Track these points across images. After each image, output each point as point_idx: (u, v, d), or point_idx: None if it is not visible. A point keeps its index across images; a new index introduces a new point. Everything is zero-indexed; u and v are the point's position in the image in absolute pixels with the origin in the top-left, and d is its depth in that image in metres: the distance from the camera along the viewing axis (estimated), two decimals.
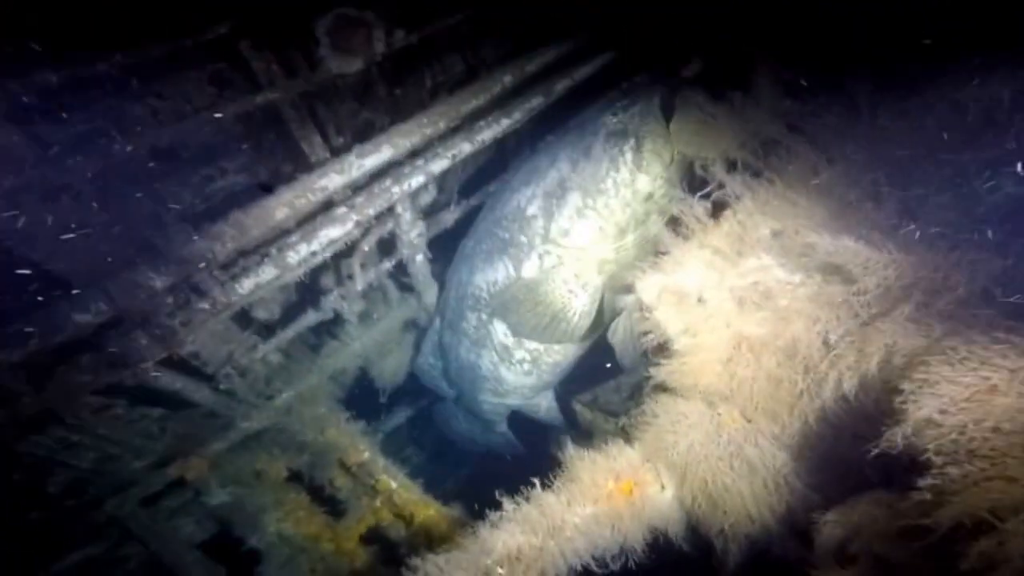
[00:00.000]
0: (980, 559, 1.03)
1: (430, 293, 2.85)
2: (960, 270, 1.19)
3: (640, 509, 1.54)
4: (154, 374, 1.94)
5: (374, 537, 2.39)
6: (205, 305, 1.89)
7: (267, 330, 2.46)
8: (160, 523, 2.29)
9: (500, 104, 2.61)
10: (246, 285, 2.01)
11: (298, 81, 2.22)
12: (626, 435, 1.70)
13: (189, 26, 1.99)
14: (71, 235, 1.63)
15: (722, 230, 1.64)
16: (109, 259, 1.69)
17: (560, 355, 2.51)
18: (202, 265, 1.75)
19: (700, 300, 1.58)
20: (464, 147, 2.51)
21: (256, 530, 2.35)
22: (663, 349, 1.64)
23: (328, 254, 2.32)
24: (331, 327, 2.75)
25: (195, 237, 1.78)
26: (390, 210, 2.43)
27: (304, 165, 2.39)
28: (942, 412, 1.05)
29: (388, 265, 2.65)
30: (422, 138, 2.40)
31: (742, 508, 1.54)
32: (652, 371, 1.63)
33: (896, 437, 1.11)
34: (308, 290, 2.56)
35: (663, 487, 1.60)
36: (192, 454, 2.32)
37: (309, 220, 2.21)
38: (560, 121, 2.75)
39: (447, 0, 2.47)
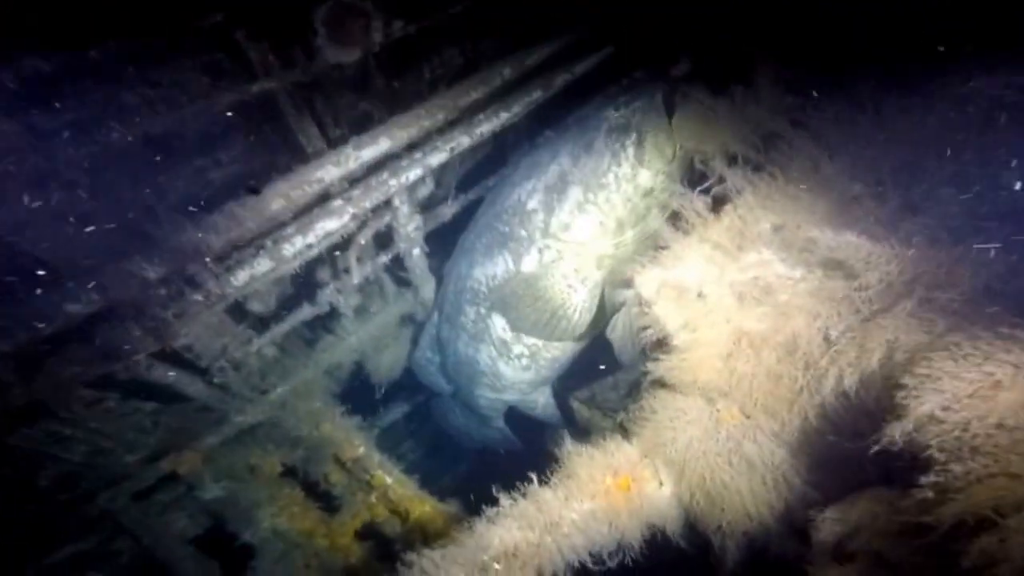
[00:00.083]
0: (981, 556, 1.02)
1: (427, 287, 2.83)
2: (963, 266, 1.18)
3: (638, 506, 1.53)
4: (147, 367, 1.91)
5: (369, 533, 2.38)
6: (199, 297, 1.86)
7: (262, 323, 2.44)
8: (152, 518, 2.27)
9: (499, 97, 2.59)
10: (241, 277, 1.98)
11: (295, 71, 2.19)
12: (624, 431, 1.68)
13: (184, 14, 1.96)
14: (62, 224, 1.60)
15: (722, 225, 1.63)
16: (100, 248, 1.66)
17: (559, 351, 2.50)
18: (196, 256, 1.72)
19: (700, 295, 1.56)
20: (463, 140, 2.48)
21: (250, 525, 2.33)
22: (662, 344, 1.63)
23: (324, 247, 2.29)
24: (327, 321, 2.73)
25: (189, 228, 1.75)
26: (387, 203, 2.41)
27: (300, 157, 2.36)
28: (945, 408, 1.03)
29: (385, 259, 2.63)
30: (420, 131, 2.38)
31: (740, 505, 1.53)
32: (651, 366, 1.61)
33: (895, 432, 1.10)
34: (304, 283, 2.53)
35: (661, 483, 1.59)
36: (185, 448, 2.30)
37: (305, 212, 2.18)
38: (559, 116, 2.73)
39: None
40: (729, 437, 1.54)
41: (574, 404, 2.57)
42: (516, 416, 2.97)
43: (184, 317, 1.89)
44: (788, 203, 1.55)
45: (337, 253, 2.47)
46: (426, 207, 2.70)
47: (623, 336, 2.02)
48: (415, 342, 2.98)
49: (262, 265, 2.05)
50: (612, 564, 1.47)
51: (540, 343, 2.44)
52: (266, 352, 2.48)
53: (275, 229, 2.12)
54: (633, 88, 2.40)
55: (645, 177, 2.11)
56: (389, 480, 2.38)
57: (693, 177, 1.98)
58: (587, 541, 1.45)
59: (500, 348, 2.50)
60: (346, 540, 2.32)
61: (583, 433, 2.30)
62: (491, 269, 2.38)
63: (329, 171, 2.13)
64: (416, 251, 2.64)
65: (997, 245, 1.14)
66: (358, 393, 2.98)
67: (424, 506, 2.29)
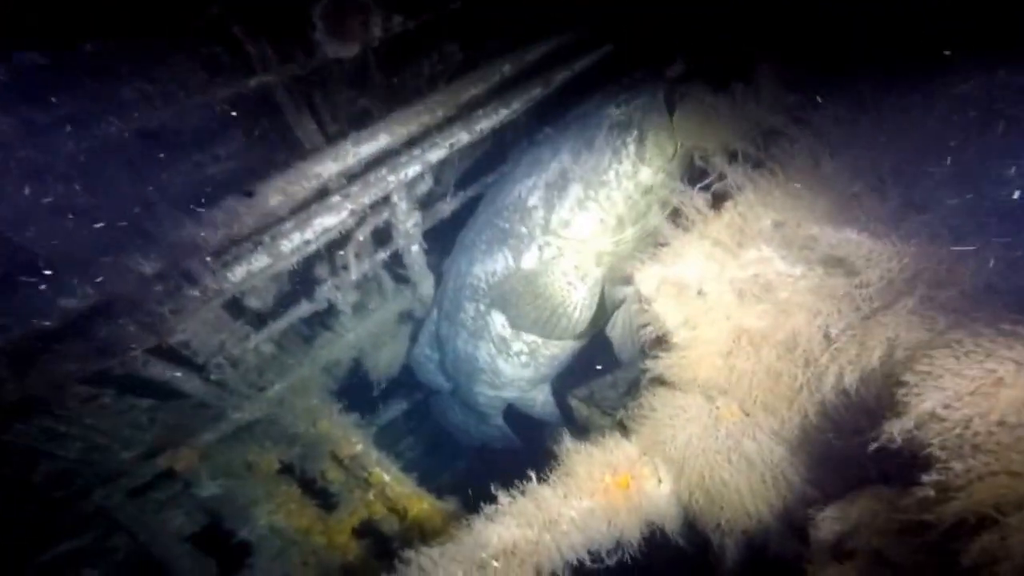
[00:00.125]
0: (982, 554, 1.02)
1: (426, 284, 2.82)
2: (965, 263, 1.17)
3: (637, 504, 1.52)
4: (143, 363, 1.90)
5: (367, 530, 2.37)
6: (196, 293, 1.85)
7: (259, 320, 2.42)
8: (149, 515, 2.25)
9: (499, 94, 2.58)
10: (238, 273, 1.97)
11: (293, 66, 2.17)
12: (623, 429, 1.68)
13: (181, 7, 1.95)
14: (57, 218, 1.58)
15: (723, 221, 1.62)
16: (96, 243, 1.65)
17: (558, 348, 2.49)
18: (193, 252, 1.70)
19: (700, 292, 1.55)
20: (462, 136, 2.47)
21: (247, 522, 2.32)
22: (662, 342, 1.62)
23: (322, 243, 2.28)
24: (325, 318, 2.71)
25: (186, 223, 1.74)
26: (386, 200, 2.39)
27: (299, 152, 2.35)
28: (946, 406, 1.03)
29: (383, 255, 2.62)
30: (419, 126, 2.36)
31: (739, 503, 1.52)
32: (650, 364, 1.61)
33: (895, 429, 1.09)
34: (302, 280, 2.52)
35: (660, 481, 1.58)
36: (182, 445, 2.28)
37: (303, 208, 2.17)
38: (559, 114, 2.72)
39: None
40: (728, 435, 1.53)
41: (573, 402, 2.56)
42: (515, 414, 2.96)
43: (181, 313, 1.88)
44: (789, 200, 1.54)
45: (336, 250, 2.46)
46: (425, 204, 2.69)
47: (623, 334, 2.01)
48: (414, 339, 2.97)
49: (260, 261, 2.03)
50: (611, 562, 1.47)
51: (539, 340, 2.44)
52: (264, 349, 2.47)
53: (273, 225, 2.10)
54: (634, 86, 2.39)
55: (646, 174, 2.11)
56: (387, 477, 2.37)
57: (693, 174, 1.97)
58: (586, 539, 1.44)
59: (499, 345, 2.49)
60: (344, 537, 2.31)
61: (582, 431, 2.29)
62: (491, 266, 2.37)
63: (327, 167, 2.11)
64: (415, 248, 2.63)
65: (999, 241, 1.13)
66: (356, 390, 2.97)
67: (422, 504, 2.28)
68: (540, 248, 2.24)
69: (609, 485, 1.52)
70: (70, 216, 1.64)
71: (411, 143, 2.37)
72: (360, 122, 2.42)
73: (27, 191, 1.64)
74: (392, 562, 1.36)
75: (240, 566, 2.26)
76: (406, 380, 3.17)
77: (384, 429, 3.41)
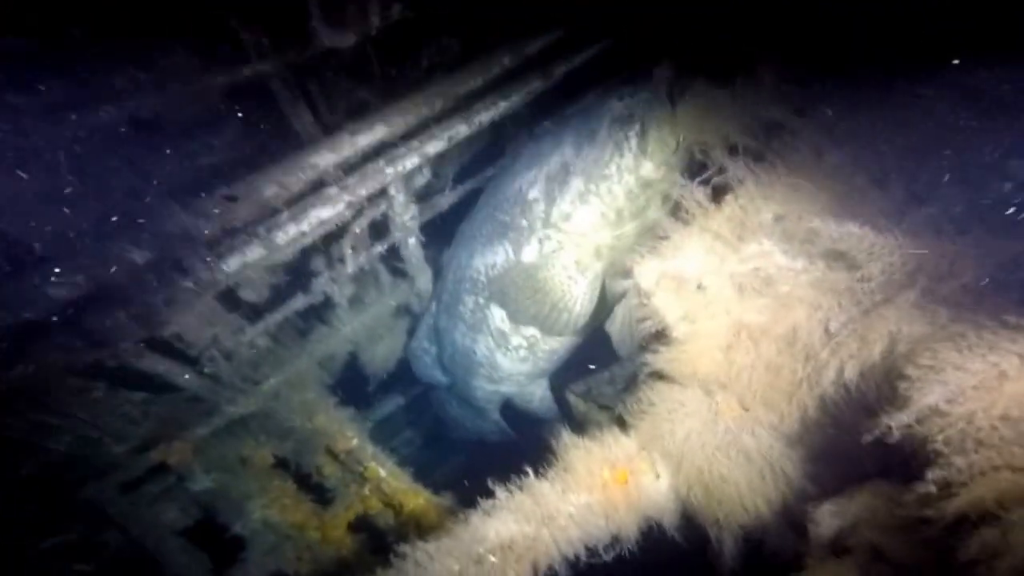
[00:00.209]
0: (982, 549, 1.01)
1: (423, 278, 2.80)
2: (968, 256, 1.16)
3: (635, 499, 1.51)
4: (135, 355, 1.87)
5: (362, 525, 2.35)
6: (189, 284, 1.82)
7: (254, 312, 2.40)
8: (142, 509, 2.23)
9: (498, 86, 2.55)
10: (232, 264, 1.94)
11: (288, 54, 2.14)
12: (622, 423, 1.66)
13: None
14: (45, 206, 1.55)
15: (723, 215, 1.60)
16: (86, 232, 1.61)
17: (557, 342, 2.48)
18: (186, 242, 1.68)
19: (700, 286, 1.54)
20: (460, 129, 2.45)
21: (240, 517, 2.30)
22: (661, 336, 1.61)
23: (318, 235, 2.26)
24: (321, 311, 2.69)
25: (179, 212, 1.71)
26: (383, 192, 2.37)
27: (294, 143, 2.31)
28: (949, 400, 1.02)
29: (380, 248, 2.59)
30: (417, 117, 2.34)
31: (738, 498, 1.51)
32: (650, 358, 1.59)
33: (893, 422, 1.08)
34: (297, 272, 2.50)
35: (658, 476, 1.57)
36: (175, 439, 2.26)
37: (299, 199, 2.14)
38: (559, 107, 2.71)
39: None
40: (727, 430, 1.52)
41: (570, 398, 2.54)
42: (512, 409, 2.95)
43: (174, 304, 1.85)
44: (790, 193, 1.53)
45: (332, 242, 2.44)
46: (423, 197, 2.67)
47: (622, 329, 2.00)
48: (411, 333, 2.95)
49: (254, 252, 2.01)
50: (608, 557, 1.46)
51: (538, 335, 2.43)
52: (258, 342, 2.44)
53: (268, 215, 2.08)
54: (636, 79, 2.37)
55: (648, 168, 2.10)
56: (383, 472, 2.35)
57: (694, 167, 1.96)
58: (583, 534, 1.43)
59: (498, 339, 2.47)
60: (339, 532, 2.30)
61: (579, 427, 2.27)
62: (491, 259, 2.35)
63: (324, 157, 2.09)
64: (412, 240, 2.60)
65: (1003, 235, 1.12)
66: (352, 385, 2.95)
67: (418, 499, 2.27)
68: (540, 241, 2.23)
69: (607, 480, 1.51)
70: (58, 204, 1.61)
71: (409, 135, 2.35)
72: (357, 114, 2.40)
73: (13, 179, 1.61)
74: (388, 557, 1.35)
75: (234, 560, 2.24)
76: (402, 375, 3.15)
77: (380, 424, 3.39)
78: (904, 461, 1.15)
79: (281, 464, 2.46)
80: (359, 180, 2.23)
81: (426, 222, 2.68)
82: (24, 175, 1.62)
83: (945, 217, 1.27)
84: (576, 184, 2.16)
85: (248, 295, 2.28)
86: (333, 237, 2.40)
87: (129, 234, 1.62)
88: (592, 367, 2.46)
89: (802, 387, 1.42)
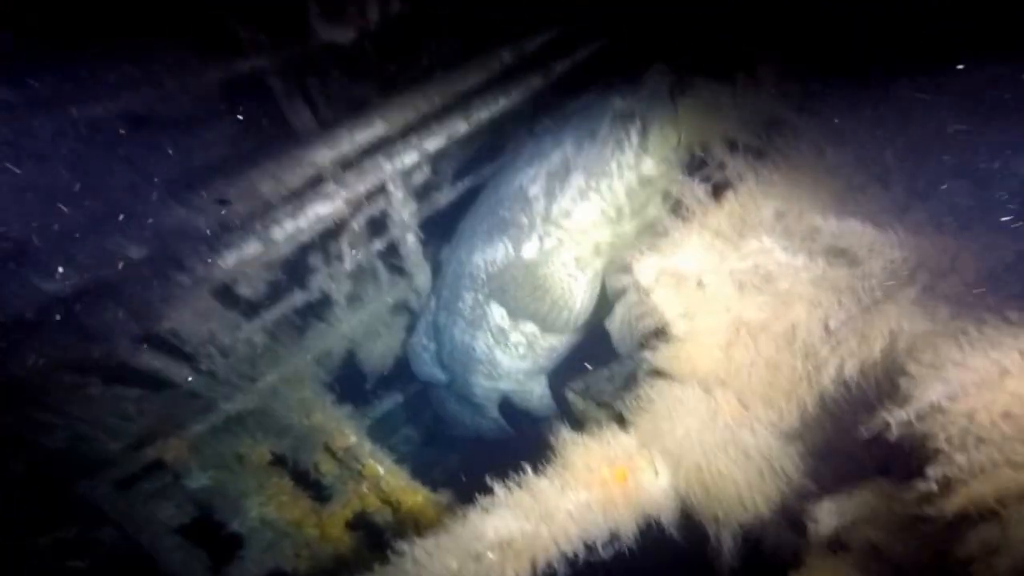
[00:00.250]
0: (980, 546, 1.01)
1: (421, 275, 2.79)
2: (970, 253, 1.15)
3: (634, 496, 1.51)
4: (130, 351, 1.85)
5: (360, 523, 2.34)
6: (185, 279, 1.80)
7: (251, 309, 2.38)
8: (137, 506, 2.21)
9: (498, 83, 2.54)
10: (229, 260, 1.93)
11: (286, 50, 2.12)
12: (621, 421, 1.66)
13: None
14: (38, 201, 1.53)
15: (723, 211, 1.60)
16: (80, 226, 1.59)
17: (556, 340, 2.47)
18: (182, 237, 1.66)
19: (699, 283, 1.54)
20: (460, 126, 2.44)
21: (238, 514, 2.28)
22: (660, 333, 1.60)
23: (316, 231, 2.24)
24: (318, 308, 2.68)
25: (174, 207, 1.69)
26: (381, 189, 2.36)
27: (292, 139, 2.30)
28: (950, 398, 1.02)
29: (379, 245, 2.58)
30: (416, 114, 2.33)
31: (737, 496, 1.51)
32: (649, 355, 1.59)
33: (892, 418, 1.08)
34: (295, 269, 2.48)
35: (657, 474, 1.57)
36: (171, 436, 2.24)
37: (296, 195, 2.13)
38: (559, 105, 2.69)
39: None
40: (727, 427, 1.52)
41: (569, 395, 2.54)
42: (511, 406, 2.94)
43: (169, 300, 1.84)
44: (791, 190, 1.53)
45: (330, 239, 2.42)
46: (422, 194, 2.66)
47: (621, 326, 1.99)
48: (410, 330, 2.94)
49: (251, 248, 1.99)
50: (606, 555, 1.45)
51: (537, 332, 2.42)
52: (255, 339, 2.43)
53: (265, 211, 2.06)
54: (637, 77, 2.37)
55: (649, 165, 2.10)
56: (381, 470, 2.34)
57: (695, 164, 1.96)
58: (582, 531, 1.43)
59: (497, 335, 2.47)
60: (337, 530, 2.29)
61: (578, 424, 2.27)
62: (491, 255, 2.35)
63: (322, 152, 2.07)
64: (410, 237, 2.59)
65: (1006, 232, 1.12)
66: (351, 382, 2.94)
67: (416, 496, 2.26)
68: (541, 238, 2.22)
69: (606, 478, 1.50)
70: (51, 200, 1.59)
71: (408, 131, 2.33)
72: (356, 110, 2.38)
73: (5, 173, 1.59)
74: (386, 554, 1.34)
75: (232, 557, 2.23)
76: (401, 372, 3.14)
77: (379, 421, 3.38)
78: (904, 459, 1.14)
79: (279, 461, 2.45)
80: (357, 176, 2.22)
81: (425, 219, 2.67)
82: (16, 170, 1.60)
83: (947, 213, 1.26)
84: (577, 181, 2.15)
85: (245, 291, 2.27)
86: (331, 234, 2.39)
87: (124, 229, 1.61)
88: (591, 366, 2.45)
89: (802, 384, 1.41)
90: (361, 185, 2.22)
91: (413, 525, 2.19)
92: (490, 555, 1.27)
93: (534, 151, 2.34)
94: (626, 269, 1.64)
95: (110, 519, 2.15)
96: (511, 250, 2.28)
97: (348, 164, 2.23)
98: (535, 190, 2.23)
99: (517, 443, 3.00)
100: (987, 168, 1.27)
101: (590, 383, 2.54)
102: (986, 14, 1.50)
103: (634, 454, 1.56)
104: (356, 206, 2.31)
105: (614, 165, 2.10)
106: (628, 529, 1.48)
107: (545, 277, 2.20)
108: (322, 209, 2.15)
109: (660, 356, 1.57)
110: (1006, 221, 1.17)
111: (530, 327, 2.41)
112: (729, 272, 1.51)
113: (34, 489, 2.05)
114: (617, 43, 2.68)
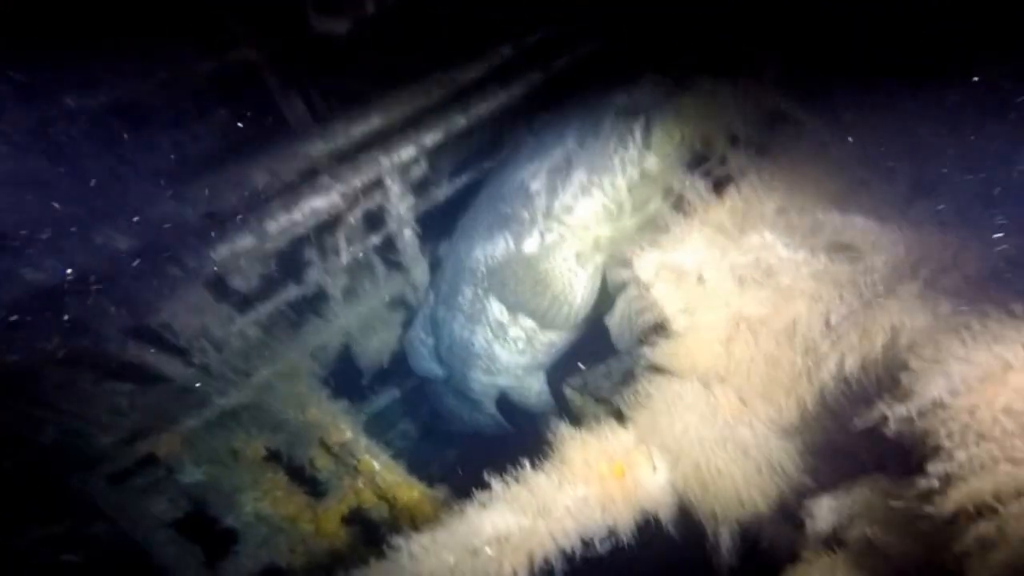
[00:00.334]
0: (977, 542, 1.01)
1: (418, 270, 2.77)
2: (972, 247, 1.15)
3: (632, 492, 1.50)
4: (122, 345, 1.83)
5: (356, 518, 2.33)
6: (177, 272, 1.78)
7: (246, 302, 2.36)
8: (131, 501, 2.19)
9: (498, 77, 2.52)
10: (221, 252, 1.90)
11: (280, 41, 2.09)
12: (620, 416, 1.65)
13: None
14: (24, 191, 1.50)
15: (725, 207, 1.59)
16: (67, 217, 1.56)
17: (555, 335, 2.46)
18: (174, 229, 1.63)
19: (700, 278, 1.53)
20: (458, 120, 2.41)
21: (232, 509, 2.27)
22: (660, 328, 1.59)
23: (311, 225, 2.22)
24: (314, 303, 2.65)
25: (166, 199, 1.66)
26: (378, 183, 2.33)
27: (286, 132, 2.27)
28: (952, 393, 1.01)
29: (375, 240, 2.56)
30: (413, 107, 2.30)
31: (735, 492, 1.51)
32: (648, 351, 1.58)
33: (894, 413, 1.07)
34: (290, 263, 2.46)
35: (655, 469, 1.56)
36: (164, 430, 2.22)
37: (291, 188, 2.10)
38: (560, 101, 2.67)
39: None
40: (725, 424, 1.52)
41: (567, 391, 2.53)
42: (509, 402, 2.93)
43: (161, 292, 1.81)
44: (793, 186, 1.52)
45: (326, 232, 2.40)
46: (419, 189, 2.63)
47: (621, 322, 1.98)
48: (407, 324, 2.93)
49: (244, 241, 1.97)
50: (604, 550, 1.45)
51: (537, 327, 2.41)
52: (249, 333, 2.40)
53: (259, 204, 2.04)
54: (640, 73, 2.35)
55: (652, 161, 2.09)
56: (377, 465, 2.33)
57: (696, 160, 1.94)
58: (580, 527, 1.42)
59: (496, 330, 2.45)
60: (333, 525, 2.28)
61: (576, 420, 2.26)
62: (491, 250, 2.33)
63: (316, 145, 2.05)
64: (408, 232, 2.57)
65: (1009, 228, 1.11)
66: (347, 377, 2.92)
67: (413, 492, 2.25)
68: (542, 233, 2.21)
69: (604, 473, 1.49)
70: (38, 190, 1.56)
71: (405, 124, 2.31)
72: (352, 102, 2.36)
73: None
74: (382, 550, 1.33)
75: (226, 552, 2.21)
76: (398, 367, 3.13)
77: (375, 416, 3.37)
78: (902, 455, 1.14)
79: (273, 456, 2.43)
80: (353, 170, 2.19)
81: (422, 214, 2.65)
82: (2, 160, 1.57)
83: (950, 208, 1.25)
84: (579, 176, 2.14)
85: (239, 284, 2.24)
86: (327, 227, 2.36)
87: (113, 221, 1.58)
88: (587, 363, 2.44)
89: (802, 380, 1.41)
90: (357, 179, 2.20)
91: (409, 521, 2.18)
92: (487, 550, 1.26)
93: (536, 146, 2.32)
94: (627, 264, 1.62)
95: (103, 513, 2.13)
96: (512, 245, 2.26)
97: (344, 157, 2.21)
98: (537, 185, 2.22)
99: (515, 439, 2.99)
100: (989, 164, 1.26)
101: (588, 379, 2.53)
102: (987, 13, 1.49)
103: (632, 450, 1.55)
104: (352, 200, 2.28)
105: (617, 161, 2.09)
106: (626, 525, 1.47)
107: (546, 272, 2.19)
108: (318, 203, 2.12)
109: (659, 351, 1.57)
110: (1008, 216, 1.16)
111: (529, 322, 2.40)
112: (730, 267, 1.50)
113: (27, 483, 2.03)
114: (618, 42, 2.66)
